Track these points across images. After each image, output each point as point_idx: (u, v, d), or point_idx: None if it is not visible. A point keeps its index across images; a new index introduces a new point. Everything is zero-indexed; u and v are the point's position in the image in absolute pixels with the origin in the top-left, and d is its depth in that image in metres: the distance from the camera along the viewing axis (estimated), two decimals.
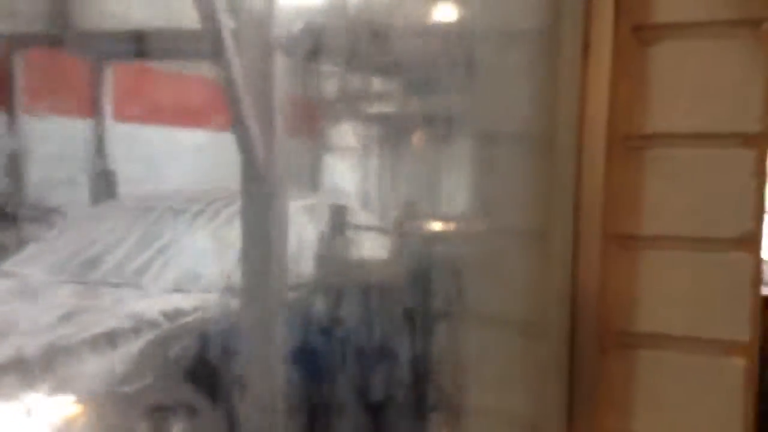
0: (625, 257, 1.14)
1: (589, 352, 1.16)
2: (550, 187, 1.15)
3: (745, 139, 1.11)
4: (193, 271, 4.16)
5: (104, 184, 5.22)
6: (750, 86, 1.11)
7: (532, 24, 1.19)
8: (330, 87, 5.59)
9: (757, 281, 1.14)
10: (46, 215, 4.91)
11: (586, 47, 1.13)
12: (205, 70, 6.40)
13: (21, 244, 4.61)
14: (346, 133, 6.54)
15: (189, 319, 3.75)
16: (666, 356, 1.15)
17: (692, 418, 1.14)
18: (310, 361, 3.77)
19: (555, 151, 1.14)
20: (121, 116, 5.41)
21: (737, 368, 1.12)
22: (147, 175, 5.45)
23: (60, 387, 3.20)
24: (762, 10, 1.10)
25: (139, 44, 4.95)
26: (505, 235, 1.22)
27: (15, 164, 5.23)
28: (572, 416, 1.16)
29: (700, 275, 1.13)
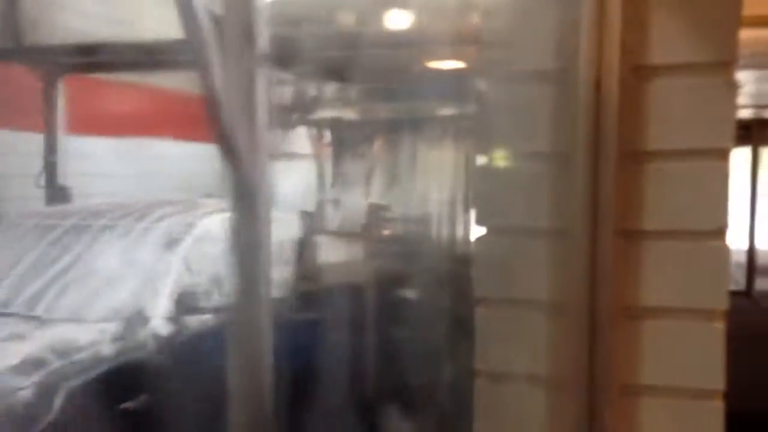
0: (633, 248, 1.46)
1: (604, 323, 1.47)
2: (571, 193, 1.46)
3: (720, 154, 1.45)
4: (93, 298, 3.61)
5: (58, 200, 5.25)
6: (723, 112, 1.44)
7: (553, 64, 1.49)
8: (292, 94, 5.77)
9: (729, 264, 1.48)
10: None
11: (598, 84, 1.44)
12: (160, 81, 6.51)
13: None
14: (310, 139, 6.71)
15: (84, 355, 3.18)
16: (664, 324, 1.47)
17: (684, 369, 1.46)
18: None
19: (575, 165, 1.45)
20: (75, 129, 5.43)
21: (718, 330, 1.46)
22: (101, 189, 5.47)
23: None
24: (730, 55, 1.44)
25: (93, 57, 5.03)
26: (534, 233, 1.52)
27: None
28: (593, 374, 1.47)
29: (688, 260, 1.46)
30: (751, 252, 9.89)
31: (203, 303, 3.70)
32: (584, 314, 1.48)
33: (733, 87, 1.43)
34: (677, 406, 1.47)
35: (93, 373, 3.12)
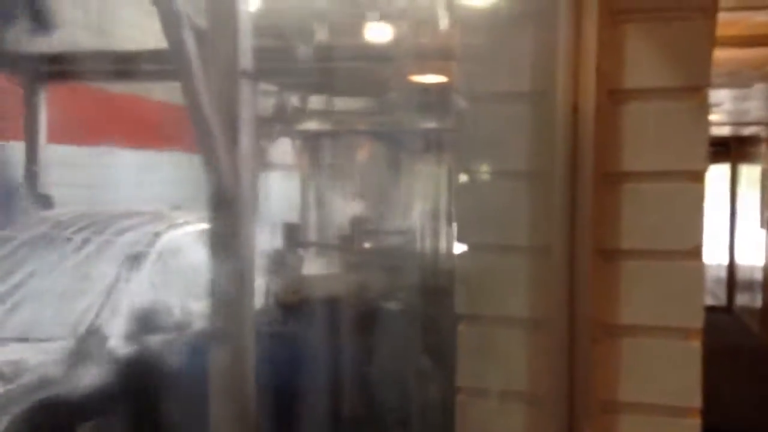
0: (610, 267, 1.50)
1: (583, 340, 1.50)
2: (550, 212, 1.49)
3: (694, 175, 1.49)
4: (44, 316, 3.42)
5: (40, 209, 5.23)
6: (695, 135, 1.48)
7: (531, 86, 1.53)
8: (273, 106, 5.80)
9: (704, 283, 1.51)
10: None
11: (575, 107, 1.48)
12: (142, 90, 6.51)
13: None
14: (293, 151, 6.74)
15: (32, 377, 2.99)
16: (642, 342, 1.51)
17: (662, 386, 1.49)
18: None
19: (554, 185, 1.48)
20: (56, 139, 5.40)
21: (695, 348, 1.49)
22: (83, 199, 5.45)
23: None
24: (702, 80, 1.48)
25: (75, 66, 5.03)
26: (514, 251, 1.55)
27: None
28: (573, 390, 1.50)
29: (664, 279, 1.49)
30: (732, 267, 9.99)
31: (166, 320, 3.53)
32: (564, 331, 1.51)
33: (705, 110, 1.47)
34: (655, 423, 1.50)
35: (41, 397, 2.92)
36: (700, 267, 1.49)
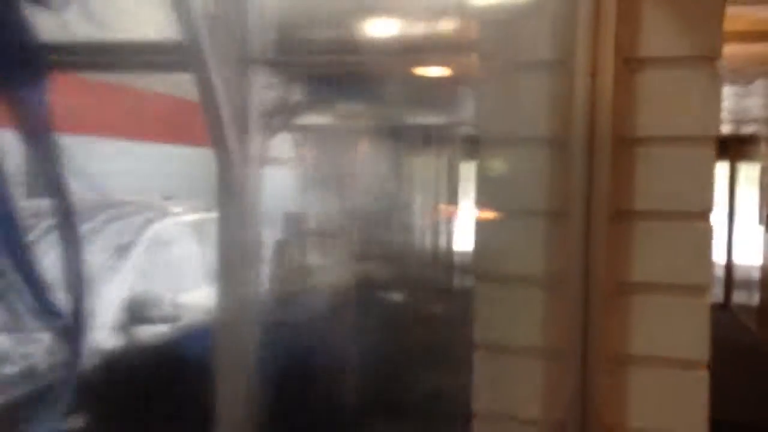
0: (625, 228, 1.57)
1: (597, 298, 1.58)
2: (569, 176, 1.57)
3: (705, 141, 1.56)
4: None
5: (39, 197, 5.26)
6: (708, 103, 1.56)
7: (551, 55, 1.61)
8: (279, 98, 5.85)
9: (712, 243, 1.59)
10: None
11: (593, 74, 1.55)
12: (139, 82, 6.57)
13: None
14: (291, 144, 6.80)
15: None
16: (653, 299, 1.58)
17: (671, 340, 1.57)
18: None
19: (572, 150, 1.56)
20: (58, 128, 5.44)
21: (704, 307, 1.57)
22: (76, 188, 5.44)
23: None
24: (715, 50, 1.55)
25: (77, 56, 5.07)
26: (533, 214, 1.63)
27: None
28: (587, 345, 1.57)
29: (675, 239, 1.57)
30: (729, 266, 10.08)
31: (155, 312, 3.43)
32: (579, 289, 1.58)
33: (717, 80, 1.55)
34: (665, 375, 1.58)
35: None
36: (710, 228, 1.56)
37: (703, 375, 1.56)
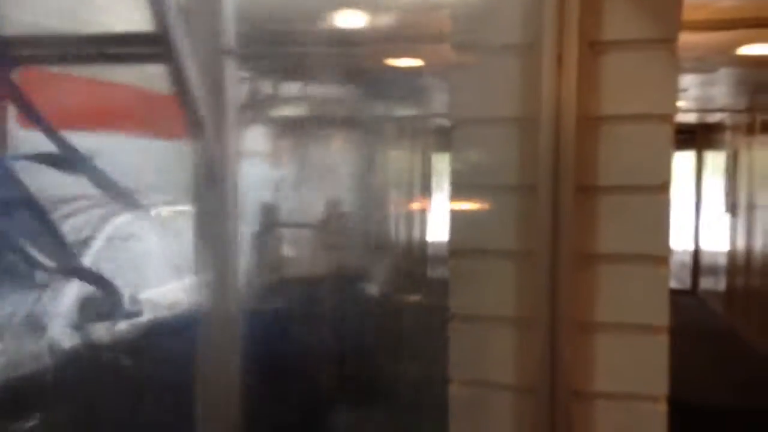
0: (589, 202, 1.67)
1: (564, 268, 1.67)
2: (536, 152, 1.66)
3: (664, 118, 1.66)
4: None
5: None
6: (666, 82, 1.66)
7: (519, 39, 1.70)
8: (254, 90, 5.89)
9: (670, 215, 1.69)
10: None
11: (559, 58, 1.65)
12: (114, 75, 6.56)
13: None
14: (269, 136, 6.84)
15: None
16: (616, 269, 1.68)
17: (634, 307, 1.67)
18: None
19: (540, 127, 1.65)
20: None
21: (664, 275, 1.67)
22: (51, 184, 5.40)
23: None
24: (672, 33, 1.65)
25: (49, 49, 5.07)
26: (503, 189, 1.72)
27: None
28: (555, 313, 1.67)
29: (636, 211, 1.67)
30: (696, 253, 10.31)
31: (115, 309, 3.26)
32: (547, 260, 1.68)
33: (675, 60, 1.65)
34: (629, 340, 1.68)
35: None
36: (668, 200, 1.67)
37: (664, 339, 1.67)
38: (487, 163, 1.76)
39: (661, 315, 1.67)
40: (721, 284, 8.96)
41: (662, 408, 1.67)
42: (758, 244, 7.55)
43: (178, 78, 3.59)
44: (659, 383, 1.67)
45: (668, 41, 1.64)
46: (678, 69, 1.65)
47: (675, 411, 1.69)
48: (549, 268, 1.67)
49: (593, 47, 1.67)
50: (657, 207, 1.67)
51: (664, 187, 1.66)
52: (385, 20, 4.25)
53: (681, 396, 1.81)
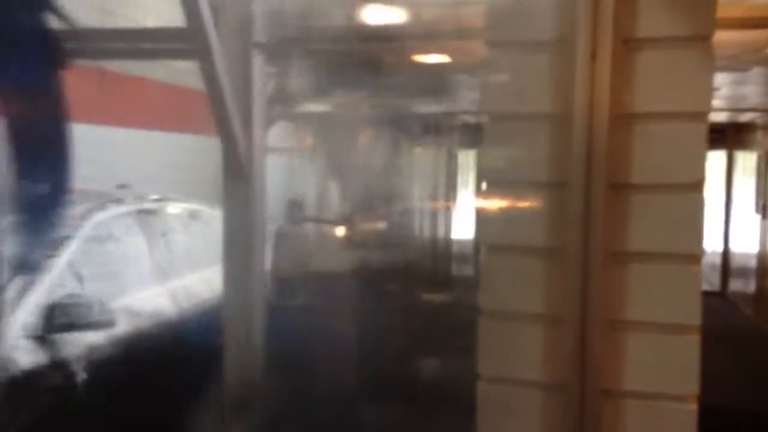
0: (621, 200, 1.66)
1: (595, 266, 1.67)
2: (569, 150, 1.66)
3: (698, 116, 1.65)
4: None
5: None
6: (700, 80, 1.65)
7: (552, 35, 1.69)
8: (283, 85, 5.90)
9: (704, 213, 1.68)
10: None
11: (593, 54, 1.64)
12: (144, 70, 6.61)
13: None
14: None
15: None
16: (648, 267, 1.67)
17: (665, 306, 1.66)
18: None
19: (573, 125, 1.65)
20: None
21: (696, 274, 1.66)
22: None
23: None
24: (707, 30, 1.64)
25: (81, 44, 5.09)
26: (534, 186, 1.72)
27: None
28: (585, 311, 1.66)
29: (669, 210, 1.66)
30: (726, 254, 10.18)
31: (88, 316, 2.90)
32: (578, 257, 1.67)
33: (710, 58, 1.63)
34: (659, 340, 1.67)
35: None
36: (701, 199, 1.65)
37: (695, 339, 1.65)
38: (518, 159, 1.76)
39: (692, 314, 1.66)
40: (751, 286, 8.84)
41: (692, 408, 1.66)
42: None
43: (207, 72, 3.56)
44: (690, 383, 1.66)
45: (703, 38, 1.63)
46: (713, 67, 1.63)
47: (703, 414, 1.68)
48: (580, 266, 1.67)
49: (627, 44, 1.66)
50: (690, 205, 1.66)
51: (697, 185, 1.65)
52: (415, 16, 4.23)
53: (709, 400, 1.79)
